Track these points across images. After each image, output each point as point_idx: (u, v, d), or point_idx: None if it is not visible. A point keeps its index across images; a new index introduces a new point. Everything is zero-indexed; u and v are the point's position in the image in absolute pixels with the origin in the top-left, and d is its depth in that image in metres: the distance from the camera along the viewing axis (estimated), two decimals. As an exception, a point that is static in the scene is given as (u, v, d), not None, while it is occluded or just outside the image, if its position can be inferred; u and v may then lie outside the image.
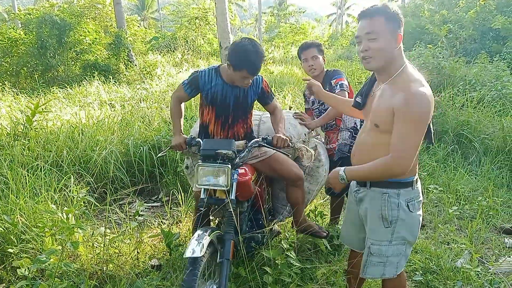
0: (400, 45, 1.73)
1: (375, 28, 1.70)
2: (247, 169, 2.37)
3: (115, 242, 2.94)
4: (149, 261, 2.98)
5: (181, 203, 3.65)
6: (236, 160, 2.27)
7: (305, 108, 3.48)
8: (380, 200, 1.88)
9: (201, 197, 2.22)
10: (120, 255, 2.88)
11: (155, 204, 4.27)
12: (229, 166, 2.14)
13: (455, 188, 4.46)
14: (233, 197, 2.17)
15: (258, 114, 3.07)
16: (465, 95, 6.58)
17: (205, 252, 1.92)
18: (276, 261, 2.33)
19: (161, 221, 3.55)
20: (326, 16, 47.36)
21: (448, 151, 5.49)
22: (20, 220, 2.72)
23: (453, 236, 3.44)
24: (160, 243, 3.24)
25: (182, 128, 2.62)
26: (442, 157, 5.42)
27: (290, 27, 27.60)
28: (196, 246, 1.89)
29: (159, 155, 2.74)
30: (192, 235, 2.22)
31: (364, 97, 1.98)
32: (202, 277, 2.02)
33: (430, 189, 4.31)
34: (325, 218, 3.51)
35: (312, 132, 2.96)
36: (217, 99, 2.51)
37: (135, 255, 2.93)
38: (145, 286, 2.46)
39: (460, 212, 3.91)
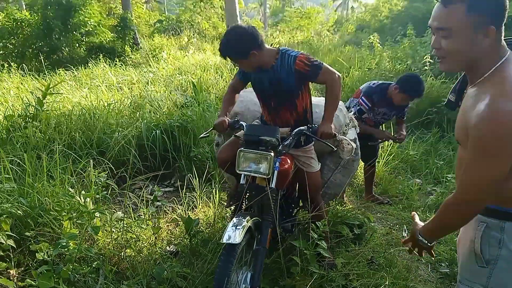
0: (491, 40, 1.25)
1: (450, 23, 1.25)
2: (287, 157, 2.29)
3: (132, 227, 2.89)
4: (166, 247, 2.93)
5: (195, 188, 3.58)
6: (279, 148, 2.18)
7: (358, 114, 3.49)
8: (474, 230, 1.42)
9: (241, 182, 2.15)
10: (137, 241, 2.83)
11: (168, 189, 4.21)
12: (272, 154, 2.06)
13: (473, 177, 4.38)
14: (273, 185, 2.11)
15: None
16: (482, 82, 6.44)
17: (242, 239, 1.85)
18: (305, 251, 2.26)
19: (177, 207, 3.48)
20: (331, 1, 46.66)
21: (464, 140, 5.39)
22: (38, 203, 2.65)
23: (476, 227, 3.37)
24: (175, 228, 3.18)
25: (228, 113, 2.52)
26: (458, 145, 5.32)
27: (295, 11, 27.20)
28: (233, 232, 1.82)
29: (202, 135, 2.61)
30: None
31: (458, 94, 1.55)
32: (238, 263, 1.96)
33: (448, 178, 4.23)
34: (345, 205, 3.46)
35: (351, 122, 2.88)
36: (256, 83, 2.44)
37: (153, 240, 2.88)
38: (165, 273, 2.41)
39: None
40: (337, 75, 2.34)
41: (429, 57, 7.10)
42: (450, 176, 4.20)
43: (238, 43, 2.21)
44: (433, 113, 5.97)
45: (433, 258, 1.69)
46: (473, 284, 1.47)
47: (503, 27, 1.26)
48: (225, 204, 2.90)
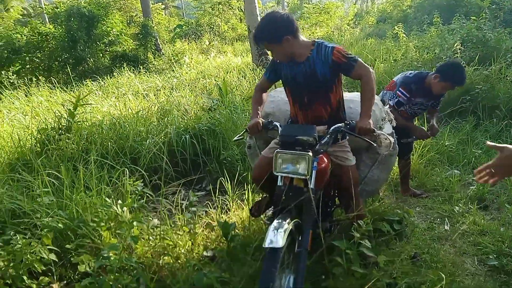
0: None
1: None
2: (323, 156, 2.23)
3: (168, 234, 2.88)
4: (203, 252, 2.90)
5: (228, 191, 3.56)
6: (317, 147, 2.12)
7: (393, 106, 3.39)
8: None
9: (278, 184, 2.10)
10: (174, 247, 2.82)
11: (200, 193, 4.20)
12: (310, 154, 2.00)
13: (515, 166, 4.19)
14: (312, 186, 2.05)
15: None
16: (516, 67, 6.18)
17: (284, 243, 1.80)
18: (347, 251, 2.19)
19: (210, 211, 3.47)
20: (349, -6, 45.93)
21: (502, 127, 5.17)
22: (76, 215, 2.68)
23: (522, 217, 3.21)
24: (211, 232, 3.16)
25: (259, 113, 2.48)
26: (496, 133, 5.11)
27: (314, 7, 26.90)
28: (275, 236, 1.78)
29: (235, 138, 2.58)
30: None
31: None
32: (280, 267, 1.92)
33: (488, 168, 4.05)
34: (382, 201, 3.36)
35: (387, 116, 2.79)
36: (288, 79, 2.38)
37: (189, 246, 2.87)
38: (205, 279, 2.39)
39: (525, 191, 3.66)
40: (371, 70, 2.30)
41: (460, 44, 6.85)
42: (491, 166, 4.02)
43: (273, 27, 2.20)
44: (466, 101, 5.74)
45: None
46: None
47: None
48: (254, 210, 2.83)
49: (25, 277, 2.28)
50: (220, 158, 4.30)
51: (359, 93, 2.45)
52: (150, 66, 11.74)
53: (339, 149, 2.42)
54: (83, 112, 4.78)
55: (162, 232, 2.78)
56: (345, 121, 2.29)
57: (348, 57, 2.27)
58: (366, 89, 2.29)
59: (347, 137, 2.46)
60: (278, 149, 2.10)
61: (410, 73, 3.49)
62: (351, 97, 2.65)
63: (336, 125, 2.24)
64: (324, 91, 2.35)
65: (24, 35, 11.46)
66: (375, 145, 2.32)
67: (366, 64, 2.32)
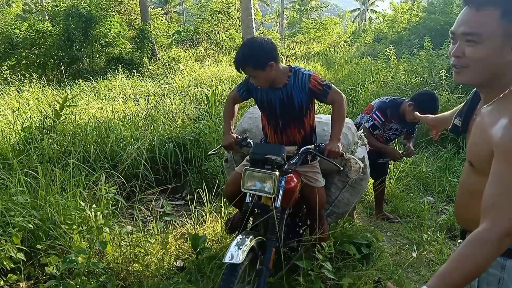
0: None
1: (480, 28, 1.13)
2: (293, 176, 2.30)
3: (141, 241, 2.92)
4: (174, 262, 2.95)
5: (205, 202, 3.61)
6: (285, 167, 2.19)
7: (368, 129, 3.50)
8: None
9: (246, 201, 2.17)
10: (146, 255, 2.86)
11: (179, 202, 4.24)
12: (277, 173, 2.07)
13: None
14: (278, 204, 2.12)
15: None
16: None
17: (244, 259, 1.86)
18: (309, 272, 2.26)
19: (186, 221, 3.51)
20: (349, 12, 46.67)
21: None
22: (50, 216, 2.71)
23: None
24: (184, 243, 3.20)
25: (232, 128, 2.55)
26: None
27: (312, 22, 27.28)
28: (236, 252, 1.84)
29: (210, 153, 2.65)
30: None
31: (465, 119, 1.41)
32: (241, 283, 1.97)
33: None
34: (353, 223, 3.43)
35: (360, 140, 2.87)
36: (264, 103, 2.42)
37: (160, 255, 2.91)
38: (171, 289, 2.43)
39: None
40: (342, 95, 2.38)
41: (445, 70, 7.02)
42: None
43: (258, 52, 2.18)
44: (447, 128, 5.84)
45: None
46: None
47: None
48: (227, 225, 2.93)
49: (-8, 274, 2.32)
50: (201, 168, 4.35)
51: None
52: (145, 70, 11.80)
53: (309, 169, 2.49)
54: (70, 113, 4.82)
55: (134, 239, 2.82)
56: (315, 143, 2.36)
57: (323, 85, 2.32)
58: (338, 114, 2.35)
59: (318, 159, 2.54)
60: (247, 167, 2.17)
61: (387, 98, 3.61)
62: (326, 120, 2.73)
63: (306, 147, 2.31)
64: (299, 116, 2.40)
65: (22, 31, 11.50)
66: (342, 168, 2.40)
67: (338, 90, 2.39)
